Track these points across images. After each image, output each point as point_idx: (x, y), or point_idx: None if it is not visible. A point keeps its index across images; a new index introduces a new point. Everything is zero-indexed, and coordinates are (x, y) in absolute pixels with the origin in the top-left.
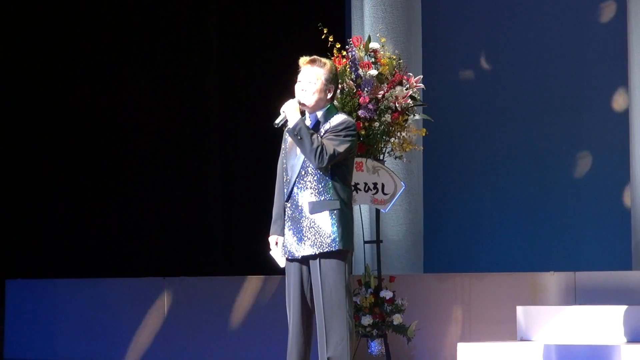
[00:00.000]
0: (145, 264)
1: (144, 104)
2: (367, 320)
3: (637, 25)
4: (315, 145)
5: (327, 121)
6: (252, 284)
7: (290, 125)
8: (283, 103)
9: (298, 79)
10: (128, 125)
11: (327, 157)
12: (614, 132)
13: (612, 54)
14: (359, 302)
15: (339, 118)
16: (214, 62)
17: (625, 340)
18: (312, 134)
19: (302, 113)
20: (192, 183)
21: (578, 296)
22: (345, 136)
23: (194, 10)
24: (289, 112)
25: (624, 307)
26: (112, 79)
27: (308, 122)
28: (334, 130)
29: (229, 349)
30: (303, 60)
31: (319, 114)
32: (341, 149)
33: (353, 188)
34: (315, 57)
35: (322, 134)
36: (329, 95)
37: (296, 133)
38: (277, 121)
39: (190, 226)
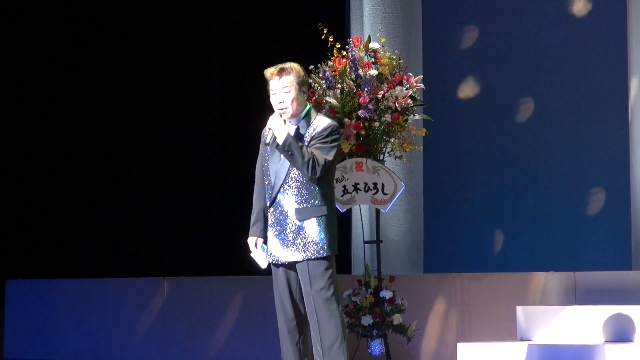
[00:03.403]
0: (145, 264)
1: (143, 103)
2: (367, 320)
3: (637, 25)
4: (306, 158)
5: (309, 125)
6: (252, 284)
7: (279, 141)
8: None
9: (271, 92)
10: (128, 126)
11: (320, 168)
12: (614, 132)
13: (613, 54)
14: (359, 302)
15: (323, 122)
16: (214, 63)
17: (624, 340)
18: (301, 147)
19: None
20: (192, 183)
21: (578, 296)
22: (332, 141)
23: (194, 10)
24: (275, 129)
25: (624, 307)
26: (112, 79)
27: (291, 130)
28: (320, 137)
29: (229, 349)
30: (269, 73)
31: (301, 119)
32: (330, 156)
33: (353, 188)
34: (279, 66)
35: (308, 140)
36: (305, 97)
37: (287, 149)
38: (267, 141)
39: (190, 226)
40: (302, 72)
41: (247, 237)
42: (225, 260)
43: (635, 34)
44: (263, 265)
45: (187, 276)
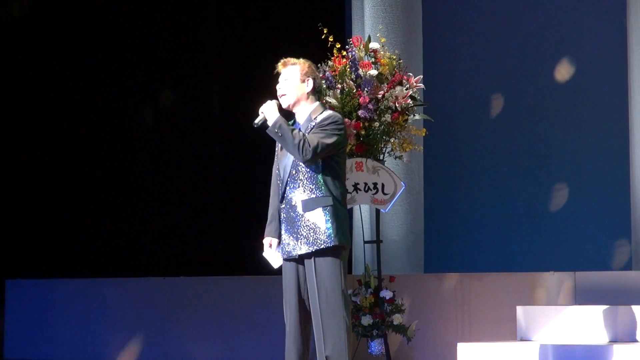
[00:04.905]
0: (145, 264)
1: (143, 104)
2: (367, 320)
3: (636, 24)
4: (297, 139)
5: (313, 119)
6: (252, 284)
7: (269, 123)
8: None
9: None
10: (128, 126)
11: (311, 149)
12: (614, 132)
13: (612, 54)
14: (359, 302)
15: (325, 114)
16: (214, 63)
17: (625, 340)
18: (292, 130)
19: (290, 114)
20: (192, 183)
21: (578, 296)
22: (332, 130)
23: (193, 10)
24: (268, 112)
25: (624, 307)
26: (112, 79)
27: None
28: (320, 125)
29: (228, 349)
30: (279, 65)
31: (306, 113)
32: (327, 141)
33: (353, 188)
34: (287, 59)
35: (308, 131)
36: (308, 88)
37: (276, 130)
38: (256, 121)
39: (190, 226)
40: (307, 66)
41: (247, 237)
42: (225, 260)
43: (636, 34)
44: (275, 265)
45: (187, 276)
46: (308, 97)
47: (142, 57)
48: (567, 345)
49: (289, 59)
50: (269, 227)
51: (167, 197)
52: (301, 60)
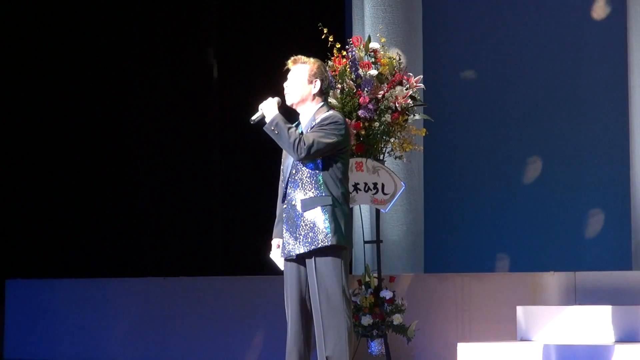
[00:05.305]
0: (145, 264)
1: (143, 103)
2: (367, 320)
3: (636, 24)
4: (292, 138)
5: (316, 119)
6: (252, 284)
7: (267, 120)
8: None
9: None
10: (128, 126)
11: (306, 147)
12: (614, 131)
13: (612, 53)
14: (359, 302)
15: (326, 113)
16: (214, 62)
17: (625, 340)
18: (289, 128)
19: (295, 113)
20: (192, 183)
21: (578, 296)
22: (330, 130)
23: (193, 11)
24: (267, 109)
25: (624, 307)
26: (112, 80)
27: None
28: (320, 124)
29: (229, 349)
30: (289, 62)
31: (310, 114)
32: (324, 140)
33: (353, 188)
34: (298, 56)
35: (308, 131)
36: (315, 89)
37: (273, 128)
38: (253, 117)
39: (190, 226)
40: (316, 67)
41: (247, 237)
42: (225, 260)
43: (636, 34)
44: (282, 266)
45: (187, 276)
46: (314, 98)
47: (142, 56)
48: (567, 345)
49: (299, 57)
50: (277, 228)
51: (167, 197)
52: (312, 59)
